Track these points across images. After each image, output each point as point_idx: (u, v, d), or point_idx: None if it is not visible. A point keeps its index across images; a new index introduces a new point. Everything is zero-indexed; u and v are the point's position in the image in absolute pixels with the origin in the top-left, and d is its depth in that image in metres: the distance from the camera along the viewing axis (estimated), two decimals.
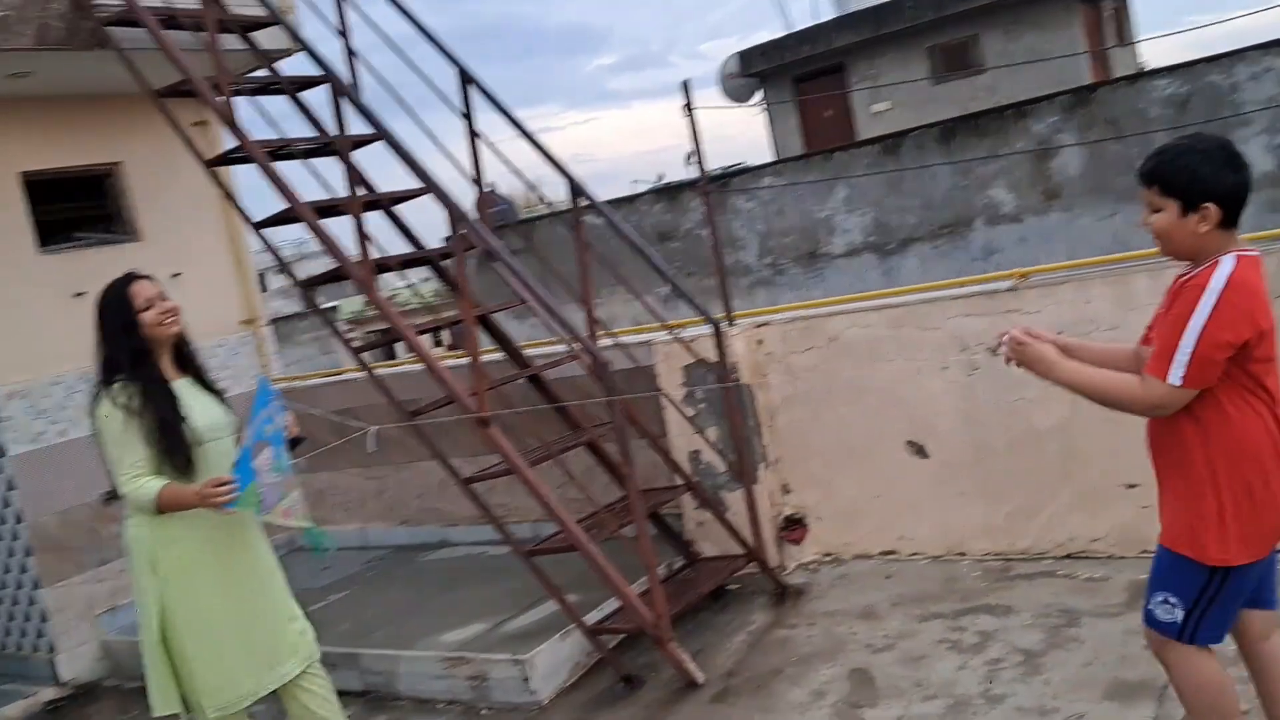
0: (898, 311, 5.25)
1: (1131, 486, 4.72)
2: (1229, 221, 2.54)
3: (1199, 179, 2.51)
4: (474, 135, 5.62)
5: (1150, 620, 2.73)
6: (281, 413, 3.32)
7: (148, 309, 3.31)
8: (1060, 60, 17.88)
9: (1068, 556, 4.91)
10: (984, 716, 3.69)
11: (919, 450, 5.27)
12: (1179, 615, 2.64)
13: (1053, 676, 3.86)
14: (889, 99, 19.75)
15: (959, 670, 4.06)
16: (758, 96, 21.74)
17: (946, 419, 5.17)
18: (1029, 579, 4.78)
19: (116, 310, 3.31)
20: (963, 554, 5.20)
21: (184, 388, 3.36)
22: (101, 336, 3.34)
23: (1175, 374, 2.49)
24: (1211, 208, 2.51)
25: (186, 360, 3.46)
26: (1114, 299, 4.67)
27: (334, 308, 21.92)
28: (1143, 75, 14.32)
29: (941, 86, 19.35)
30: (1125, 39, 20.44)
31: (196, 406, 3.33)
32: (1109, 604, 4.36)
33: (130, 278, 3.38)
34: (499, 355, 5.89)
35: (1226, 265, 2.50)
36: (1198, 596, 2.61)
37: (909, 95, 19.46)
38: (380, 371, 5.88)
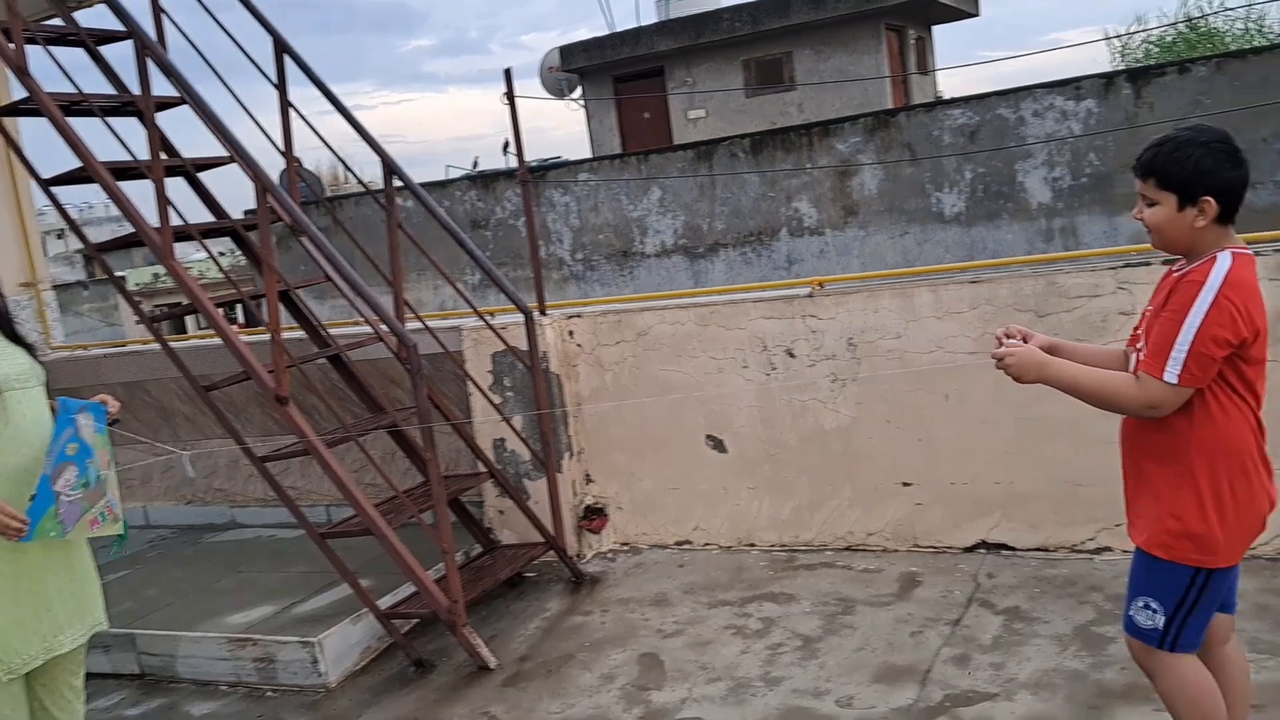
0: (704, 310, 5.43)
1: (906, 485, 5.05)
2: (1226, 217, 2.46)
3: (1200, 172, 2.41)
4: (286, 106, 5.46)
5: (1130, 627, 2.65)
6: (101, 422, 3.12)
7: None
8: (865, 84, 18.78)
9: (847, 549, 5.20)
10: (762, 698, 3.88)
11: (718, 445, 5.46)
12: (1160, 621, 2.56)
13: (827, 661, 4.09)
14: (705, 107, 20.24)
15: (742, 654, 4.24)
16: (577, 92, 21.85)
17: (744, 416, 5.38)
18: (811, 569, 5.04)
19: None
20: (752, 545, 5.43)
21: None
22: None
23: (1172, 372, 2.40)
24: (1211, 202, 2.42)
25: None
26: (899, 310, 4.98)
27: (121, 278, 20.66)
28: (939, 104, 15.21)
29: (754, 99, 19.98)
30: (926, 68, 21.64)
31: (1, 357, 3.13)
32: (881, 594, 4.65)
33: None
34: (300, 334, 5.75)
35: (1224, 262, 2.41)
36: (1179, 601, 2.54)
37: (724, 105, 20.01)
38: (174, 345, 5.63)
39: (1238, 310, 2.38)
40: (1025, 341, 2.73)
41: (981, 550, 4.94)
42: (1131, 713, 3.42)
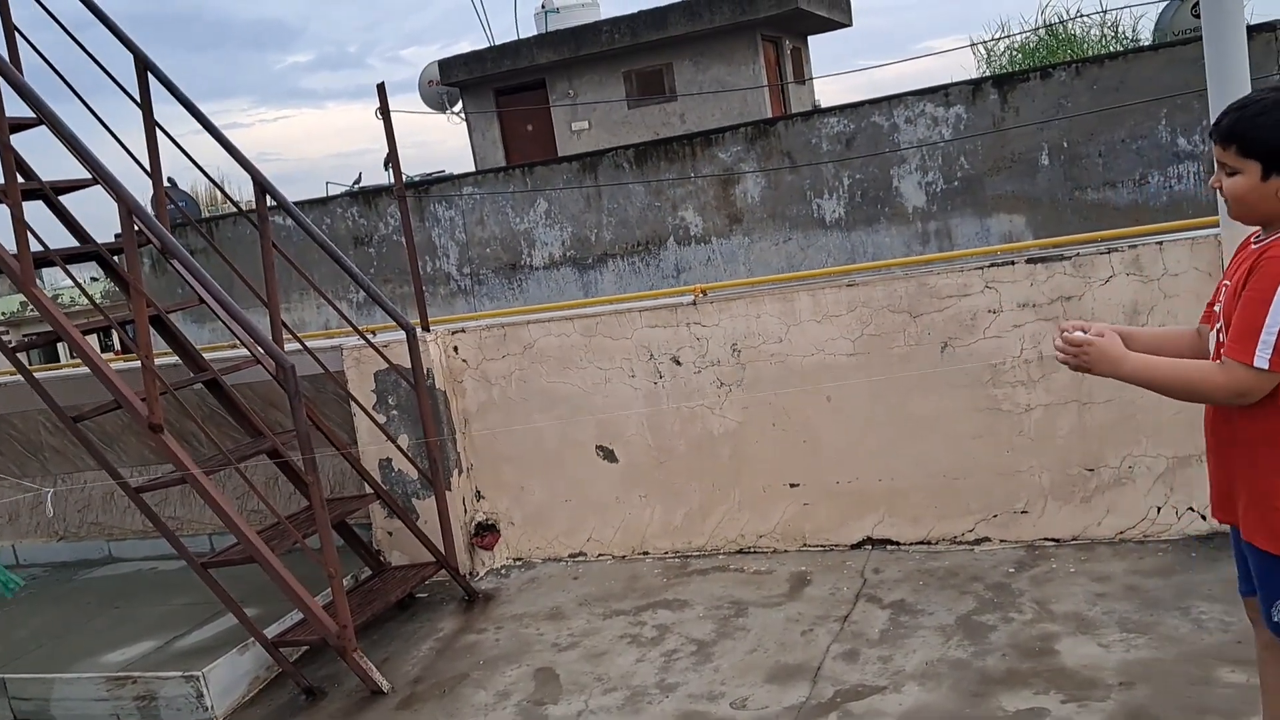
0: (590, 321, 5.44)
1: (793, 486, 5.14)
2: None
3: None
4: (151, 125, 5.30)
5: (1277, 629, 2.50)
6: None
7: None
8: (745, 94, 19.08)
9: (738, 552, 5.26)
10: (658, 705, 3.89)
11: (608, 455, 5.48)
12: None
13: (722, 664, 4.13)
14: (587, 119, 20.29)
15: (637, 663, 4.26)
16: (458, 106, 21.69)
17: (634, 425, 5.41)
18: (704, 574, 5.09)
19: None
20: (646, 553, 5.45)
21: None
22: None
23: (1262, 356, 2.21)
24: None
25: None
26: (780, 315, 5.07)
27: None
28: (816, 113, 15.54)
29: (636, 110, 20.11)
30: (803, 77, 22.08)
31: None
32: (773, 595, 4.71)
33: None
34: (174, 359, 5.57)
35: None
36: None
37: (606, 117, 20.09)
38: (40, 375, 5.40)
39: None
40: (1085, 333, 2.46)
41: (867, 546, 5.05)
42: (1013, 697, 3.54)
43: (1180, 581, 4.18)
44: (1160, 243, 4.48)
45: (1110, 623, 3.94)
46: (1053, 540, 4.74)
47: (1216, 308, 2.46)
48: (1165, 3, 16.99)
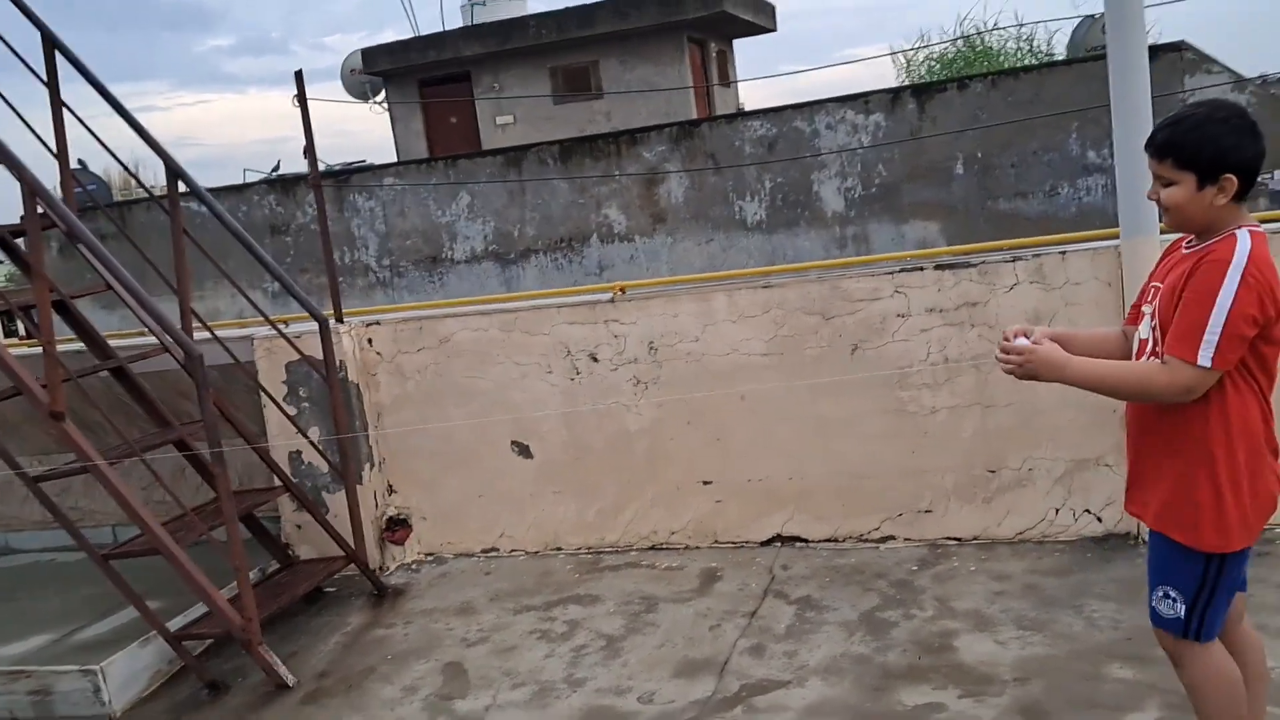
0: (508, 316, 5.43)
1: (706, 483, 5.20)
2: (1242, 194, 2.37)
3: (1223, 150, 2.32)
4: (58, 105, 5.15)
5: (1155, 619, 2.57)
6: None
7: None
8: (670, 94, 19.17)
9: (651, 548, 5.30)
10: (566, 700, 3.91)
11: (524, 450, 5.47)
12: (1181, 610, 2.50)
13: (630, 659, 4.16)
14: (513, 113, 20.20)
15: (546, 658, 4.27)
16: (381, 96, 21.43)
17: (549, 421, 5.41)
18: (615, 570, 5.12)
19: None
20: (559, 549, 5.46)
21: None
22: None
23: (1205, 355, 2.30)
24: (1232, 179, 2.33)
25: None
26: (697, 314, 5.12)
27: None
28: (740, 115, 15.69)
29: (562, 107, 20.09)
30: (728, 80, 22.26)
31: None
32: (683, 590, 4.76)
33: None
34: (79, 346, 5.43)
35: (1245, 239, 2.34)
36: (1198, 588, 2.47)
37: (531, 112, 20.03)
38: None
39: (1264, 288, 2.30)
40: (1027, 338, 2.54)
41: (777, 543, 5.13)
42: (912, 692, 3.63)
43: (1075, 581, 4.33)
44: (1063, 253, 4.63)
45: (1007, 620, 4.06)
46: (955, 539, 4.87)
47: (1145, 308, 2.54)
48: (1079, 20, 17.50)
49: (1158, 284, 2.51)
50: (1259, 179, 2.47)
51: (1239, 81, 12.19)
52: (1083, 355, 2.53)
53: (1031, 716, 3.39)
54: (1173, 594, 2.50)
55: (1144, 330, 2.53)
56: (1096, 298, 4.53)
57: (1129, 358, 2.60)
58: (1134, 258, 4.34)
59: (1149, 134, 2.45)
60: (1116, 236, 4.54)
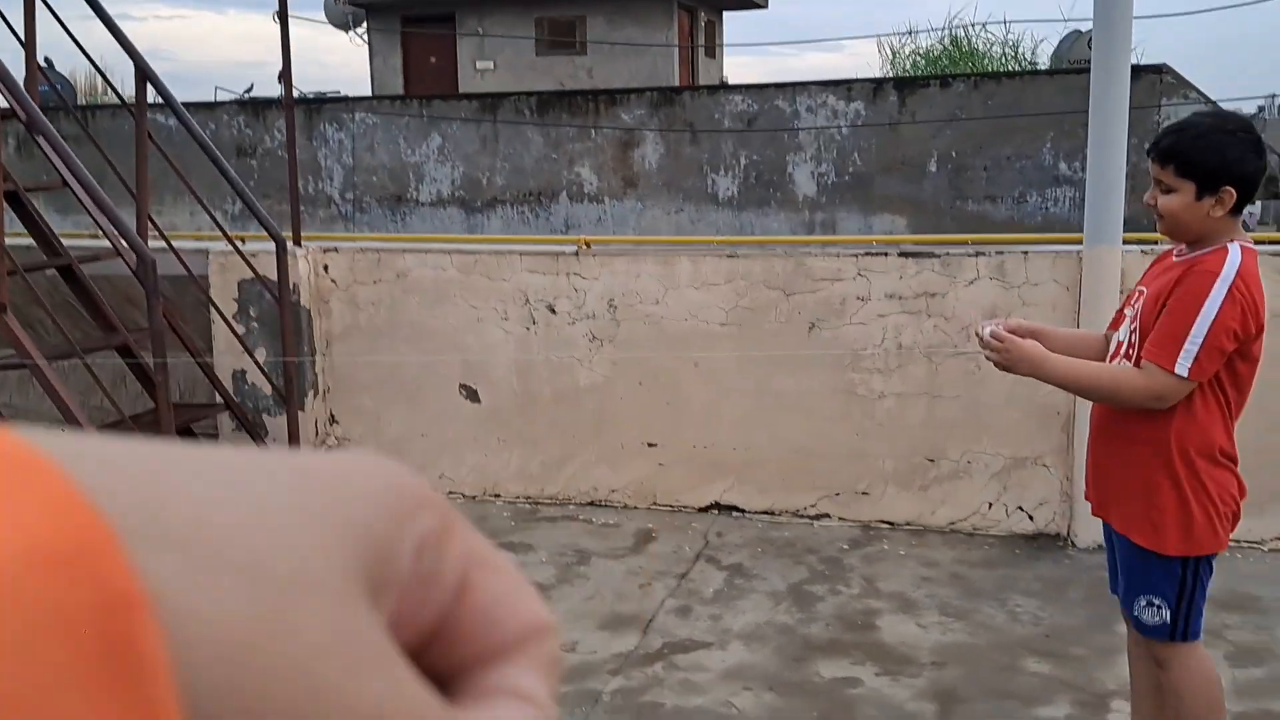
0: (468, 258, 5.38)
1: (652, 445, 5.22)
2: (1238, 208, 2.38)
3: (1226, 162, 2.33)
4: None
5: (1141, 628, 2.56)
6: None
7: None
8: (654, 60, 19.06)
9: (590, 504, 5.31)
10: None
11: (472, 395, 5.45)
12: (1166, 616, 2.49)
13: (558, 608, 4.18)
14: (494, 59, 19.98)
15: None
16: (363, 28, 21.09)
17: (501, 368, 5.39)
18: (552, 521, 5.13)
19: None
20: (497, 495, 5.46)
21: None
22: None
23: (1183, 364, 2.31)
24: (1231, 192, 2.34)
25: None
26: (660, 276, 5.11)
27: None
28: (723, 88, 15.64)
29: (544, 59, 19.90)
30: (714, 51, 22.17)
31: None
32: (617, 547, 4.79)
33: None
34: (29, 242, 5.30)
35: (1236, 253, 2.35)
36: (1179, 591, 2.47)
37: (513, 61, 19.81)
38: None
39: (1249, 303, 2.32)
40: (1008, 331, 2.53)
41: (715, 511, 5.16)
42: (831, 665, 3.68)
43: (1001, 575, 4.41)
44: (1025, 252, 4.68)
45: (931, 606, 4.13)
46: (888, 523, 4.93)
47: (1127, 311, 2.56)
48: (1066, 32, 17.61)
49: (1143, 288, 2.52)
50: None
51: (1214, 108, 12.35)
52: (1062, 354, 2.52)
53: (945, 700, 3.46)
54: (1156, 601, 2.50)
55: (1123, 333, 2.55)
56: (1054, 300, 4.58)
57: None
58: (1095, 265, 4.40)
59: (1153, 139, 2.46)
60: (1078, 243, 4.60)
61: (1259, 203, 10.92)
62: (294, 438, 5.21)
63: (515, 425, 5.41)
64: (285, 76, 5.67)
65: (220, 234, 5.26)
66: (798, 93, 14.07)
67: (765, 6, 22.84)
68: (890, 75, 21.65)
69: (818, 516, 5.03)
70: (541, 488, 5.41)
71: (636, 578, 4.44)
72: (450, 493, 5.51)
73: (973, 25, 25.36)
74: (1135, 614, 2.55)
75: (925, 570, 4.46)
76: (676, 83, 18.74)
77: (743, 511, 5.13)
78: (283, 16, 5.41)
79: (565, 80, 18.96)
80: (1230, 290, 2.30)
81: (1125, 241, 4.49)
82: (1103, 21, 4.30)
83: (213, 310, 5.29)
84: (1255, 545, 4.48)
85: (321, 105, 15.58)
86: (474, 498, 5.47)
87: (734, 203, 14.46)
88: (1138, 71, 10.95)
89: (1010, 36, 24.34)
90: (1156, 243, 4.95)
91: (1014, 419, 4.71)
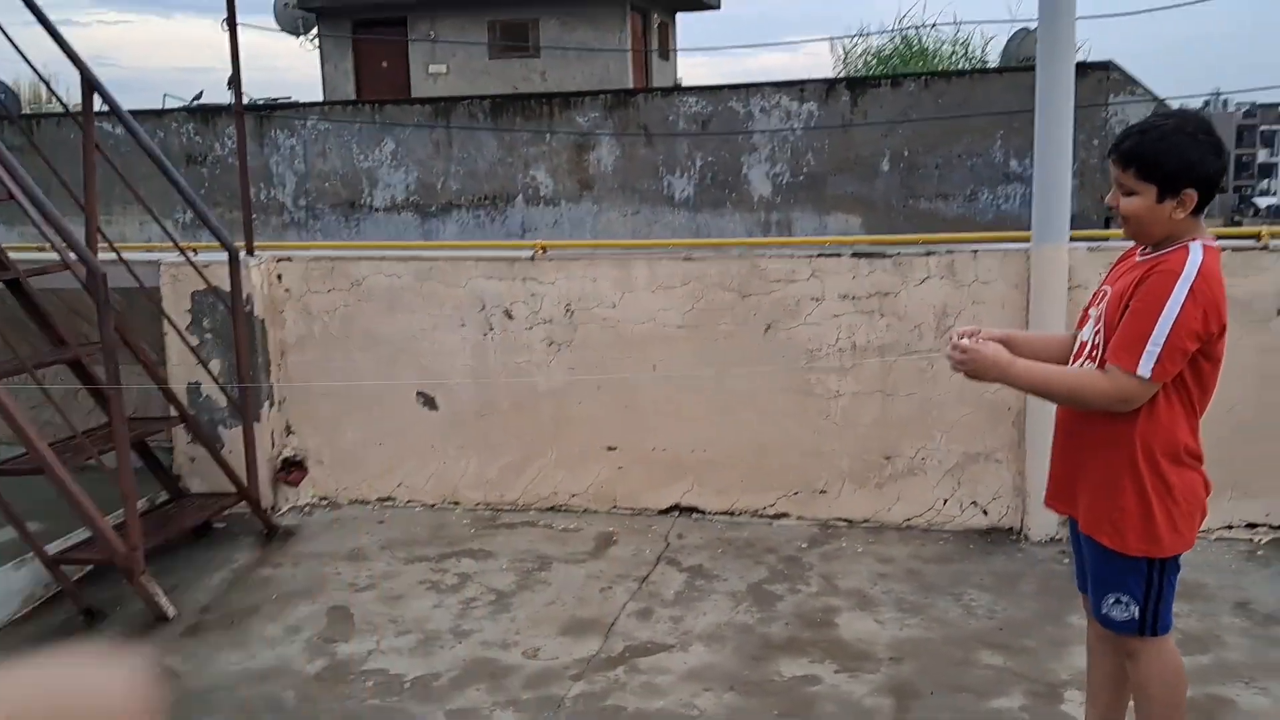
0: (423, 265, 5.37)
1: (611, 449, 5.23)
2: (1200, 208, 2.38)
3: (1187, 164, 2.33)
4: None
5: (1109, 624, 2.56)
6: None
7: None
8: (607, 63, 19.07)
9: (550, 509, 5.32)
10: (451, 649, 3.92)
11: (429, 402, 5.43)
12: (1135, 612, 2.50)
13: (519, 614, 4.19)
14: (446, 63, 19.89)
15: (434, 608, 4.27)
16: (313, 33, 20.92)
17: (458, 374, 5.38)
18: (512, 528, 5.13)
19: None
20: (456, 503, 5.44)
21: None
22: None
23: (1145, 366, 2.32)
24: (1192, 194, 2.34)
25: None
26: (616, 280, 5.13)
27: None
28: (677, 90, 15.68)
29: (497, 62, 19.84)
30: (668, 53, 22.22)
31: None
32: (578, 552, 4.79)
33: None
34: None
35: (1198, 253, 2.35)
36: (1146, 589, 2.49)
37: (466, 64, 19.74)
38: None
39: (1210, 303, 2.32)
40: (974, 338, 2.55)
41: (675, 512, 5.19)
42: (791, 664, 3.72)
43: (956, 570, 4.47)
44: (975, 251, 4.74)
45: (889, 602, 4.18)
46: (846, 521, 4.98)
47: (1092, 311, 2.57)
48: (1014, 30, 17.84)
49: (1108, 287, 2.53)
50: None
51: (1159, 105, 12.58)
52: (1028, 358, 2.53)
53: (902, 695, 3.51)
54: (1124, 599, 2.51)
55: (1086, 333, 2.56)
56: (1003, 298, 4.65)
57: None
58: (1043, 263, 4.48)
59: (1114, 140, 2.45)
60: (1026, 240, 4.67)
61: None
62: (250, 449, 5.17)
63: (473, 432, 5.40)
64: (235, 82, 5.62)
65: (172, 244, 5.20)
66: (751, 94, 14.15)
67: (718, 7, 22.93)
68: (843, 75, 21.83)
69: (777, 516, 5.07)
70: (501, 494, 5.41)
71: (597, 582, 4.45)
72: (409, 501, 5.49)
73: (923, 25, 25.63)
74: (1105, 611, 2.56)
75: (882, 567, 4.51)
76: (630, 85, 18.77)
77: (703, 513, 5.15)
78: (231, 22, 5.36)
79: (518, 83, 18.93)
80: (1191, 290, 2.30)
81: (1073, 238, 4.56)
82: (1047, 20, 4.37)
83: (166, 322, 5.23)
84: (1202, 535, 4.57)
85: (272, 111, 15.44)
86: (433, 505, 5.46)
87: (690, 204, 14.50)
88: (1084, 69, 11.12)
89: (960, 35, 24.59)
90: (1106, 239, 5.05)
91: (966, 415, 4.78)
